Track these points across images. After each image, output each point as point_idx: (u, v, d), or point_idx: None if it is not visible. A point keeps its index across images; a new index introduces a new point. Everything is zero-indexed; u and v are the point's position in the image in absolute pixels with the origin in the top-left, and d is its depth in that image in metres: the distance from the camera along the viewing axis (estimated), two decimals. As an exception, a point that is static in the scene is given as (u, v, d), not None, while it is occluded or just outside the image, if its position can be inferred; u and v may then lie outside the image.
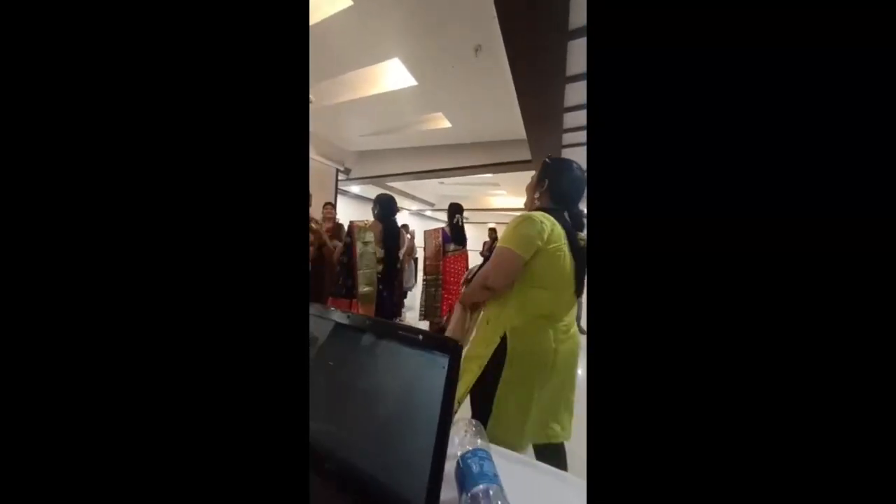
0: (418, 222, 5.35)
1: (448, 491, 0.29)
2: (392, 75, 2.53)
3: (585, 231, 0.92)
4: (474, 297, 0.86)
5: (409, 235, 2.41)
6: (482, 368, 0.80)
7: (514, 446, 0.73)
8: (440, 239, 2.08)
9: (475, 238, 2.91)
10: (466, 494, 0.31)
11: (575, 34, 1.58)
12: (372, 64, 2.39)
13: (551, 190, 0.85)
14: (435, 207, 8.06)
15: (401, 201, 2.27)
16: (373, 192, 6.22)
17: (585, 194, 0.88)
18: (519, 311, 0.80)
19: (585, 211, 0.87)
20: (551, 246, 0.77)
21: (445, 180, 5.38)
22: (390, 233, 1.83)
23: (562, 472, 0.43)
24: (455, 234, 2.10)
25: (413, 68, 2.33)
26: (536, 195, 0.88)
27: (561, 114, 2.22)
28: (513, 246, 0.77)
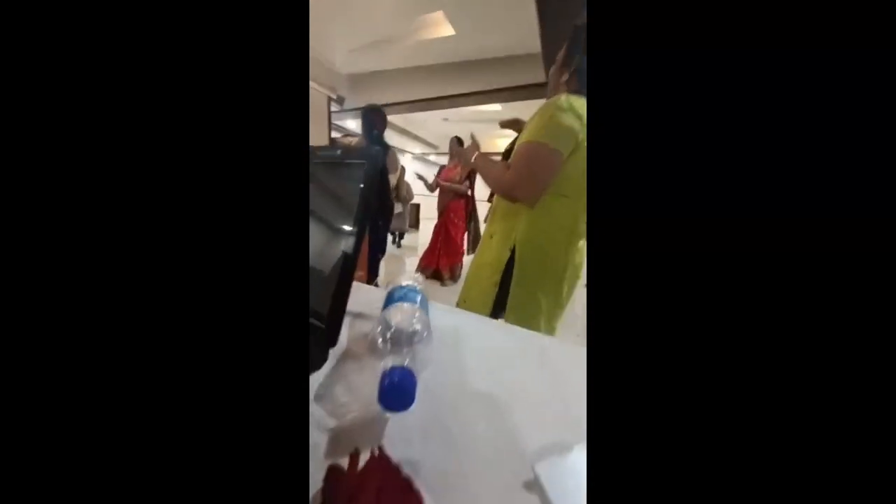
0: (422, 168, 4.86)
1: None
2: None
3: None
4: (486, 183, 0.67)
5: (407, 181, 2.19)
6: (495, 292, 0.68)
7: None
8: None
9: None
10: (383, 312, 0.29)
11: None
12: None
13: (579, 73, 0.61)
14: (439, 151, 7.42)
15: (402, 142, 2.00)
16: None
17: None
18: (532, 224, 0.64)
19: None
20: (583, 141, 0.57)
21: (450, 116, 4.80)
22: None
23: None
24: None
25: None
26: (564, 78, 0.64)
27: (583, 5, 1.77)
28: (550, 141, 0.56)
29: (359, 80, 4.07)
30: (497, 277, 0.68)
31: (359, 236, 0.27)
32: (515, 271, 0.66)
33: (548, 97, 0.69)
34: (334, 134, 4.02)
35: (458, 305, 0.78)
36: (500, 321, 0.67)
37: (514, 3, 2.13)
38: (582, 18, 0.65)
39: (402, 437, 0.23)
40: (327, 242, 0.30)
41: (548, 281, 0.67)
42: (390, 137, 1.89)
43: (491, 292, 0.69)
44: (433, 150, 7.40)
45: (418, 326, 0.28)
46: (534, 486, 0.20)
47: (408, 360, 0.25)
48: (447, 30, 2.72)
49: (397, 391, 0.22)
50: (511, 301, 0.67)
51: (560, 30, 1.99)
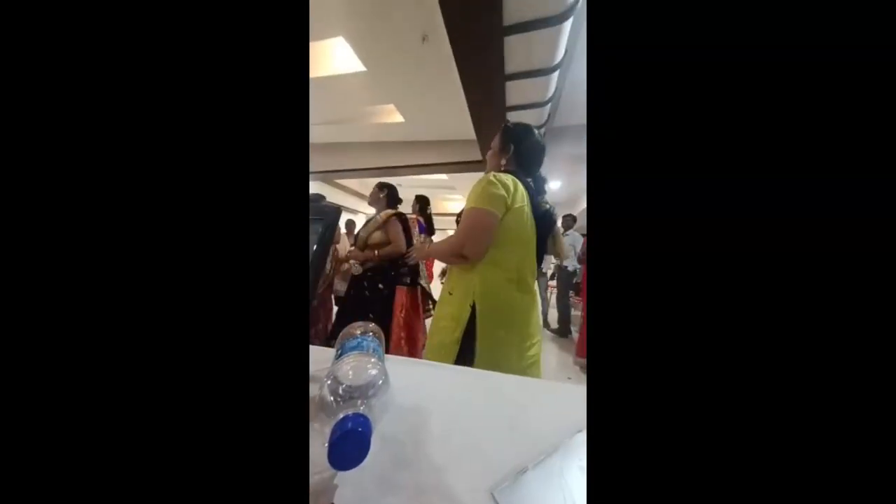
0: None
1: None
2: (339, 57, 2.40)
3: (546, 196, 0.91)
4: (443, 259, 0.79)
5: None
6: (457, 348, 0.72)
7: None
8: (417, 230, 1.92)
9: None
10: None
11: (511, 30, 1.68)
12: (316, 40, 2.25)
13: (518, 154, 0.83)
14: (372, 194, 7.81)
15: (355, 203, 2.12)
16: (324, 190, 5.78)
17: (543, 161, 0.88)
18: (485, 279, 0.75)
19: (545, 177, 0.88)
20: (517, 206, 0.75)
21: (402, 181, 5.28)
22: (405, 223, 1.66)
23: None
24: (428, 225, 1.98)
25: (360, 51, 2.24)
26: (503, 161, 0.85)
27: (503, 110, 2.34)
28: (486, 206, 0.72)
29: (315, 150, 4.34)
30: (458, 334, 0.73)
31: (312, 282, 0.28)
32: (479, 325, 0.72)
33: (486, 173, 0.89)
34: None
35: None
36: (456, 366, 0.67)
37: (451, 102, 2.69)
38: (508, 121, 0.89)
39: (358, 498, 0.21)
40: None
41: (509, 331, 0.73)
42: (346, 199, 1.99)
43: (453, 349, 0.73)
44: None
45: (374, 372, 0.27)
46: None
47: (363, 410, 0.24)
48: (397, 118, 3.22)
49: (349, 442, 0.21)
50: (479, 354, 0.71)
51: (488, 123, 2.53)
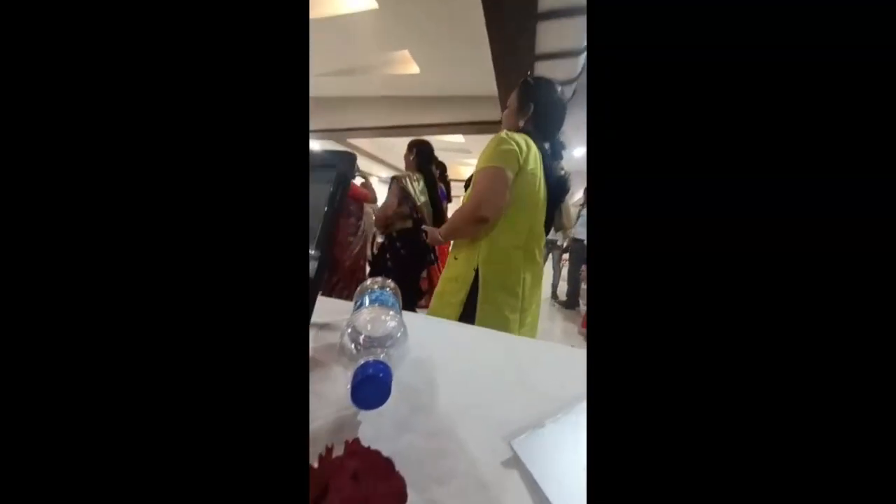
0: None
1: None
2: (349, -7, 2.15)
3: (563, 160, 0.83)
4: (461, 234, 0.75)
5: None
6: (460, 311, 0.73)
7: None
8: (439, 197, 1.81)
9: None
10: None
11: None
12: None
13: (537, 115, 0.75)
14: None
15: (367, 165, 2.07)
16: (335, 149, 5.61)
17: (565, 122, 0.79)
18: (492, 244, 0.73)
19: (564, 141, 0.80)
20: (529, 168, 0.69)
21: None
22: (432, 183, 1.58)
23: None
24: (448, 192, 1.87)
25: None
26: (521, 122, 0.77)
27: (532, 59, 2.07)
28: (499, 163, 0.67)
29: (324, 104, 4.10)
30: (462, 296, 0.73)
31: (327, 233, 0.28)
32: (480, 290, 0.72)
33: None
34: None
35: None
36: (471, 326, 0.69)
37: (473, 49, 2.41)
38: (532, 71, 0.80)
39: (377, 436, 0.22)
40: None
41: (510, 296, 0.73)
42: (359, 161, 1.93)
43: (457, 310, 0.74)
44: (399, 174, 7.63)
45: (392, 325, 0.28)
46: (511, 462, 0.21)
47: (382, 358, 0.25)
48: (412, 68, 2.94)
49: (371, 385, 0.21)
50: (479, 316, 0.72)
51: (512, 74, 2.28)
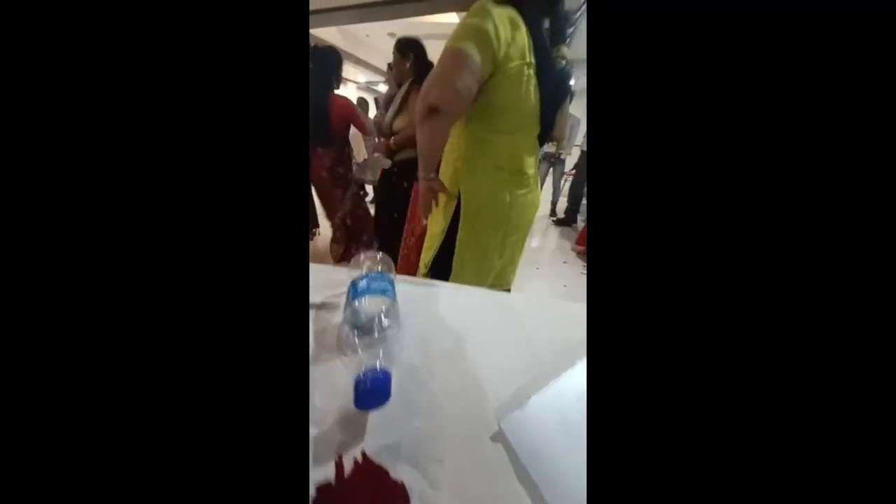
0: (370, 98, 4.14)
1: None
2: None
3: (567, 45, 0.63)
4: (421, 136, 0.58)
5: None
6: (443, 238, 0.69)
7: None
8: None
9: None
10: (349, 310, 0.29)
11: None
12: None
13: None
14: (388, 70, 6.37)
15: (345, 70, 1.57)
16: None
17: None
18: (469, 162, 0.61)
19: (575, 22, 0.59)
20: (512, 65, 0.51)
21: (397, 30, 3.97)
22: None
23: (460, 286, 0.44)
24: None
25: None
26: None
27: None
28: (461, 44, 0.48)
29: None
30: (444, 224, 0.68)
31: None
32: (461, 219, 0.66)
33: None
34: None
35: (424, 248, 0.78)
36: (463, 286, 0.70)
37: None
38: None
39: (382, 423, 0.25)
40: None
41: (494, 229, 0.67)
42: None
43: (439, 238, 0.70)
44: (381, 77, 6.31)
45: (387, 321, 0.28)
46: (499, 437, 0.24)
47: (381, 354, 0.26)
48: None
49: (372, 394, 0.23)
50: (458, 253, 0.68)
51: None
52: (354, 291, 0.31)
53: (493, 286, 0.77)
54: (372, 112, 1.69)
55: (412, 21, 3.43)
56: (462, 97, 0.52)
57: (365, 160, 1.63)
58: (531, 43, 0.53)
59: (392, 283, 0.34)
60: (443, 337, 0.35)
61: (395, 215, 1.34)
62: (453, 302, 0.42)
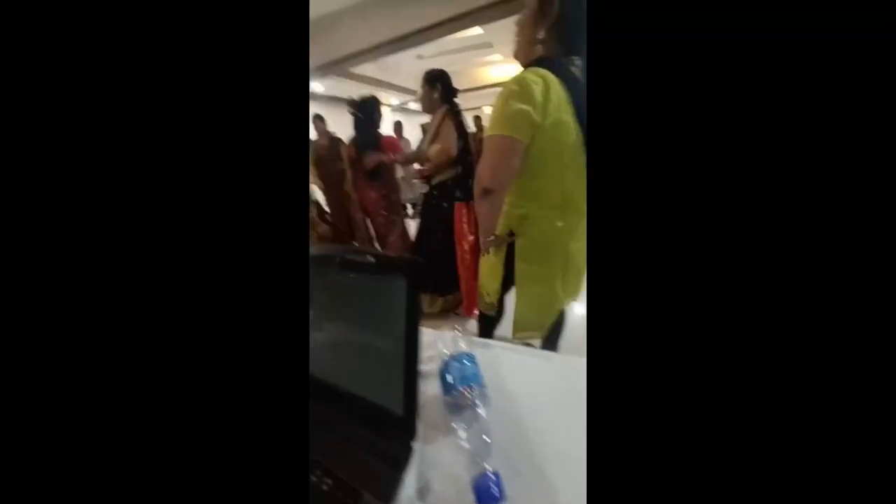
0: (404, 119, 4.40)
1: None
2: None
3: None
4: (480, 211, 0.68)
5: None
6: (502, 274, 0.72)
7: (543, 326, 0.74)
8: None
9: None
10: (447, 396, 0.33)
11: None
12: None
13: (564, 21, 0.53)
14: (419, 97, 6.66)
15: (376, 93, 1.78)
16: (340, 88, 4.97)
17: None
18: (515, 208, 0.66)
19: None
20: (550, 120, 0.54)
21: (424, 52, 4.13)
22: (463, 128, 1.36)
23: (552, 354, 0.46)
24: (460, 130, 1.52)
25: None
26: (540, 34, 0.56)
27: None
28: (506, 131, 0.55)
29: (317, 26, 3.44)
30: (501, 255, 0.71)
31: (410, 357, 0.28)
32: (517, 255, 0.69)
33: (514, 55, 0.64)
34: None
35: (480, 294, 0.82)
36: (537, 350, 0.68)
37: None
38: None
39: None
40: (375, 339, 0.31)
41: (549, 263, 0.69)
42: (365, 91, 1.74)
43: (498, 277, 0.73)
44: (412, 97, 6.62)
45: (479, 403, 0.32)
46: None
47: (488, 446, 0.28)
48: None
49: (490, 497, 0.25)
50: (518, 291, 0.71)
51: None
52: (447, 383, 0.34)
53: (560, 308, 0.77)
54: (407, 132, 1.87)
55: (436, 42, 3.58)
56: (512, 177, 0.60)
57: (402, 179, 1.81)
58: (566, 91, 0.56)
59: (477, 364, 0.37)
60: (529, 414, 0.35)
61: (440, 235, 1.48)
62: (531, 374, 0.42)
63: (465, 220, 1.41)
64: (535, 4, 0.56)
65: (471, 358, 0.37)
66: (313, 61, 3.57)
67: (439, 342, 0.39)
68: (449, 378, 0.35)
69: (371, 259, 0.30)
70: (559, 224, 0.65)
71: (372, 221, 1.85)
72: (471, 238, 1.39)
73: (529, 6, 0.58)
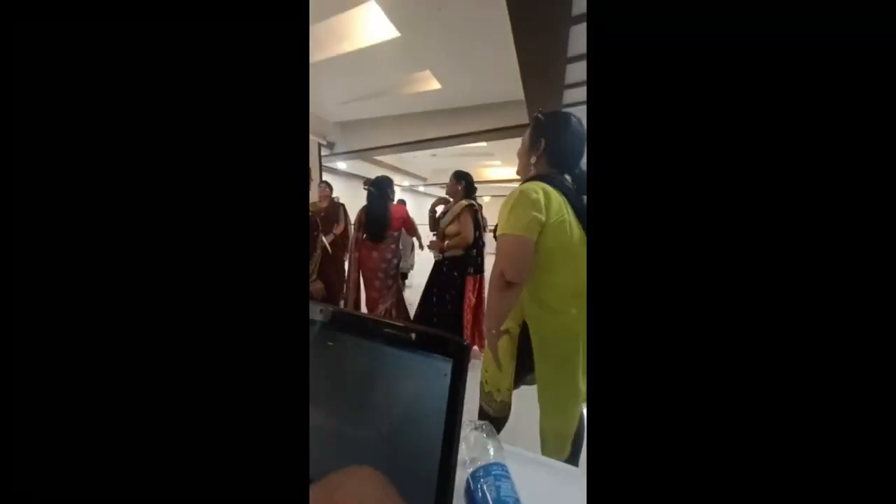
0: (411, 198, 5.05)
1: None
2: (369, 25, 2.17)
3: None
4: (498, 301, 0.70)
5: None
6: (514, 364, 0.71)
7: (569, 433, 0.69)
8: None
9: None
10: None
11: (586, -43, 1.29)
12: (344, 10, 2.03)
13: (550, 151, 0.72)
14: (427, 182, 7.68)
15: (391, 176, 2.08)
16: (361, 168, 5.82)
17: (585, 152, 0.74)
18: (533, 299, 0.70)
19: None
20: (553, 220, 0.65)
21: (437, 151, 5.01)
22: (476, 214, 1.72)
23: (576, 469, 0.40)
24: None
25: (392, 13, 1.99)
26: (533, 159, 0.74)
27: (563, 62, 1.93)
28: (518, 231, 0.65)
29: (349, 127, 4.26)
30: (513, 350, 0.72)
31: (447, 446, 0.23)
32: (534, 344, 0.69)
33: (517, 172, 0.81)
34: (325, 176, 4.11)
35: (481, 386, 0.78)
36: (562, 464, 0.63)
37: (496, 59, 2.32)
38: (544, 108, 0.76)
39: None
40: (415, 447, 0.24)
41: (569, 350, 0.69)
42: (378, 173, 2.01)
43: (511, 366, 0.72)
44: (421, 182, 7.66)
45: None
46: None
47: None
48: (433, 84, 2.92)
49: None
50: (539, 373, 0.69)
51: (541, 75, 2.14)
52: (473, 496, 0.28)
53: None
54: (411, 211, 2.12)
55: (447, 149, 4.42)
56: (530, 270, 0.68)
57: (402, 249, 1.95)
58: (563, 198, 0.69)
59: (511, 478, 0.30)
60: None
61: (447, 297, 1.75)
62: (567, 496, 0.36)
63: (471, 290, 1.74)
64: (528, 140, 0.77)
65: (503, 470, 0.29)
66: (341, 147, 4.27)
67: (462, 442, 0.32)
68: (479, 497, 0.27)
69: (412, 334, 0.23)
70: (574, 311, 0.68)
71: (367, 284, 1.86)
72: (473, 304, 1.75)
73: (524, 141, 0.79)
